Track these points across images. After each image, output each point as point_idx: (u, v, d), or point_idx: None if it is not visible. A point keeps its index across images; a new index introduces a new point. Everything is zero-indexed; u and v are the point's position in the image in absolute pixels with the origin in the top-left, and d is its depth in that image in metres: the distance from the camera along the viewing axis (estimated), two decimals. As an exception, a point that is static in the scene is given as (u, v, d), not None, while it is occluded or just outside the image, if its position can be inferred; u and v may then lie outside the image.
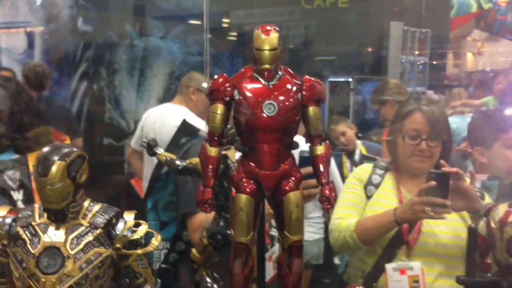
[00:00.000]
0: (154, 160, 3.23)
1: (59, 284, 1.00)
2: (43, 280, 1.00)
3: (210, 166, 1.17)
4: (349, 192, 2.49)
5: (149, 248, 1.07)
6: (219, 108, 1.17)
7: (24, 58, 5.73)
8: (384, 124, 4.10)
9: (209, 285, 1.69)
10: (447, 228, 2.20)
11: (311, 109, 1.18)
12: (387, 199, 2.40)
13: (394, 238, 2.29)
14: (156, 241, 1.08)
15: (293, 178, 1.18)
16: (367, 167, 2.61)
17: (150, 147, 1.67)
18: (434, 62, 7.76)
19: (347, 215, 2.38)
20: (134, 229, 1.08)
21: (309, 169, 1.93)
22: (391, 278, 2.25)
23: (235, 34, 6.56)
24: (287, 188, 1.17)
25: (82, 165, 1.03)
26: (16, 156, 1.78)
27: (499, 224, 1.24)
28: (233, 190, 1.18)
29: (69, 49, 5.52)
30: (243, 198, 1.16)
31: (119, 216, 1.08)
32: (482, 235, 1.31)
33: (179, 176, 1.80)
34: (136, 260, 1.07)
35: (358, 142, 4.56)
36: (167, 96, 5.42)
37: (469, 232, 1.25)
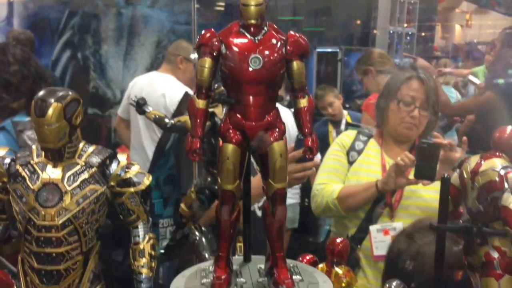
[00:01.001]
0: (142, 129, 3.30)
1: (58, 217, 1.08)
2: (43, 213, 1.07)
3: (198, 118, 1.24)
4: (332, 159, 2.57)
5: (141, 186, 1.15)
6: (207, 62, 1.23)
7: (4, 27, 5.68)
8: (367, 93, 4.18)
9: (197, 238, 1.78)
10: (429, 191, 2.29)
11: (295, 64, 1.25)
12: (370, 164, 2.48)
13: (377, 201, 2.39)
14: (147, 180, 1.15)
15: (277, 130, 1.25)
16: (350, 133, 2.69)
17: (139, 105, 1.73)
18: (423, 34, 7.82)
19: (330, 181, 2.47)
20: (126, 169, 1.15)
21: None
22: (375, 239, 2.35)
23: (223, 4, 6.53)
24: (271, 138, 1.24)
25: (77, 108, 1.09)
26: (28, 119, 1.84)
27: (471, 175, 1.32)
28: (220, 140, 1.25)
29: (52, 16, 5.47)
30: (230, 147, 1.23)
31: (112, 157, 1.15)
32: (456, 186, 1.40)
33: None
34: (129, 198, 1.15)
35: (345, 112, 4.64)
36: (154, 65, 5.42)
37: (442, 181, 1.34)
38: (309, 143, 1.25)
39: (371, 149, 2.55)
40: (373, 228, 2.35)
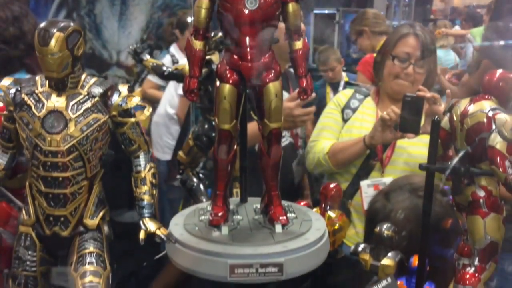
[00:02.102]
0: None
1: (63, 143, 1.13)
2: (49, 139, 1.13)
3: (195, 58, 1.27)
4: (326, 117, 2.62)
5: (142, 117, 1.20)
6: (204, 3, 1.26)
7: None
8: (362, 54, 4.19)
9: (195, 184, 1.84)
10: (420, 148, 2.35)
11: (291, 6, 1.28)
12: (364, 122, 2.53)
13: (368, 157, 2.45)
14: (147, 111, 1.20)
15: (273, 71, 1.29)
16: (347, 92, 2.73)
17: (137, 53, 1.76)
18: (421, -4, 7.77)
19: (322, 138, 2.52)
20: (127, 100, 1.20)
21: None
22: (366, 194, 2.42)
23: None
24: (267, 79, 1.28)
25: (79, 39, 1.14)
26: (29, 76, 1.87)
27: (460, 117, 1.37)
28: (217, 81, 1.29)
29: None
30: (227, 87, 1.27)
31: (114, 88, 1.20)
32: (445, 129, 1.45)
33: None
34: (130, 128, 1.20)
35: (343, 74, 4.66)
36: (149, 26, 5.40)
37: (432, 123, 1.39)
38: (304, 84, 1.30)
39: (367, 107, 2.60)
40: (363, 183, 2.41)
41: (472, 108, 1.35)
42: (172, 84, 3.69)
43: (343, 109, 2.62)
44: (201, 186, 1.84)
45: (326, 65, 4.48)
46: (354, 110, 2.61)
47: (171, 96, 3.71)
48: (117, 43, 5.26)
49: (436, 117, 1.39)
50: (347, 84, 3.93)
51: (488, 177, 1.36)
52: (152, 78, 4.34)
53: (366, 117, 2.55)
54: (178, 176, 1.91)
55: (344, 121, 2.59)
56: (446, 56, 5.29)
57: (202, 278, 1.28)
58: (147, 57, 1.78)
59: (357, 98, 2.65)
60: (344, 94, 2.71)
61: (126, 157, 1.26)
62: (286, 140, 2.55)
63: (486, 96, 1.36)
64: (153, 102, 4.26)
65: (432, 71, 2.53)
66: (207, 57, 1.65)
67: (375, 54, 3.74)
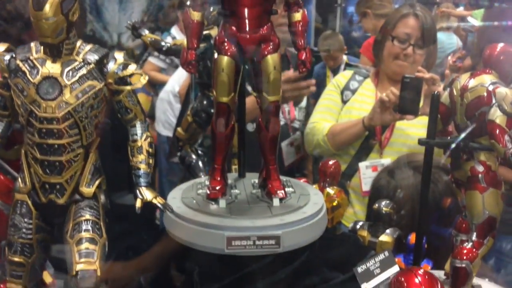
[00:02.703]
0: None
1: (58, 109, 1.13)
2: (44, 105, 1.12)
3: (193, 30, 1.26)
4: (326, 99, 2.62)
5: (138, 84, 1.19)
6: None
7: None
8: (364, 34, 4.16)
9: (193, 160, 1.84)
10: (418, 129, 2.34)
11: None
12: (363, 103, 2.53)
13: (367, 139, 2.45)
14: (144, 79, 1.20)
15: (271, 43, 1.28)
16: (346, 73, 2.72)
17: (135, 28, 1.75)
18: (425, -21, 7.68)
19: (322, 119, 2.52)
20: (123, 68, 1.19)
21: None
22: (364, 175, 2.43)
23: None
24: (265, 51, 1.27)
25: (74, 4, 1.12)
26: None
27: (460, 91, 1.36)
28: (215, 53, 1.28)
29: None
30: (225, 59, 1.26)
31: (110, 56, 1.19)
32: (445, 104, 1.44)
33: None
34: (126, 97, 1.19)
35: (344, 56, 4.62)
36: (150, 9, 5.37)
37: (432, 98, 1.38)
38: (303, 56, 1.29)
39: (366, 89, 2.59)
40: (362, 164, 2.42)
41: (472, 82, 1.34)
42: None
43: (342, 90, 2.62)
44: (200, 163, 1.84)
45: (328, 54, 4.43)
46: (354, 92, 2.60)
47: (181, 75, 3.71)
48: (117, 25, 5.25)
49: (436, 92, 1.38)
50: (347, 66, 3.91)
51: (487, 152, 1.35)
52: (153, 60, 4.33)
53: (366, 99, 2.54)
54: (178, 154, 1.91)
55: (343, 103, 2.59)
56: (448, 40, 5.24)
57: (199, 251, 1.28)
58: (145, 32, 1.77)
59: (357, 79, 2.64)
60: (344, 76, 2.69)
61: (125, 138, 1.25)
62: (280, 120, 2.54)
63: (487, 70, 1.35)
64: (154, 84, 4.26)
65: (432, 52, 2.52)
66: (206, 32, 1.64)
67: (377, 36, 3.73)
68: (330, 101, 2.60)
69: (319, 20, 6.15)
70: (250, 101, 1.52)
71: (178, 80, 3.79)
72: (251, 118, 1.55)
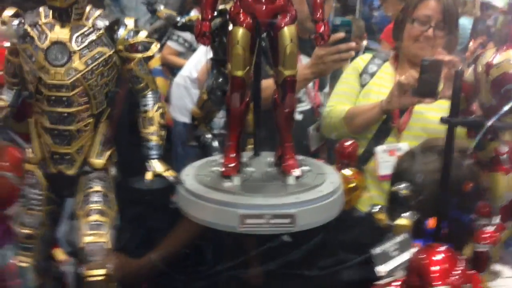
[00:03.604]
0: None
1: (67, 76, 1.10)
2: (52, 71, 1.10)
3: (207, 0, 1.22)
4: (343, 82, 2.55)
5: (149, 53, 1.16)
6: None
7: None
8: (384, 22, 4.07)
9: (209, 140, 1.80)
10: (437, 113, 2.27)
11: None
12: (381, 87, 2.46)
13: (384, 122, 2.39)
14: (155, 47, 1.16)
15: (288, 14, 1.23)
16: (365, 56, 2.65)
17: (150, 4, 1.71)
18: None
19: (339, 103, 2.47)
20: (134, 34, 1.16)
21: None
22: (381, 159, 2.38)
23: None
24: (282, 23, 1.22)
25: None
26: None
27: (485, 67, 1.31)
28: (230, 24, 1.24)
29: None
30: (240, 31, 1.21)
31: (120, 22, 1.16)
32: (469, 82, 1.38)
33: None
34: (137, 65, 1.16)
35: (364, 42, 4.53)
36: (169, -8, 5.33)
37: (456, 75, 1.32)
38: (321, 29, 1.24)
39: (385, 72, 2.52)
40: (379, 148, 2.36)
41: (498, 58, 1.29)
42: (202, 48, 3.64)
43: (361, 74, 2.55)
44: (215, 142, 1.81)
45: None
46: (372, 75, 2.54)
47: (198, 60, 3.66)
48: (135, 9, 5.20)
49: (460, 68, 1.33)
50: (366, 49, 3.83)
51: (513, 131, 1.30)
52: (172, 44, 4.29)
53: (384, 82, 2.48)
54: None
55: (361, 86, 2.53)
56: (471, 25, 5.11)
57: (213, 229, 1.25)
58: (160, 7, 1.73)
59: (376, 63, 2.58)
60: (362, 59, 2.63)
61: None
62: (307, 104, 2.50)
63: (514, 46, 1.29)
64: (173, 68, 4.22)
65: (454, 36, 2.44)
66: (222, 6, 1.60)
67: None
68: (348, 84, 2.55)
69: (338, 6, 6.06)
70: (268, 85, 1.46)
71: (195, 65, 3.74)
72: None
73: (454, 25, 2.41)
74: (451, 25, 2.38)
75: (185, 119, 3.58)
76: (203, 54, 3.56)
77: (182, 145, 3.46)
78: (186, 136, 3.49)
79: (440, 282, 0.91)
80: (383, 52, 2.71)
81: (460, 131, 1.43)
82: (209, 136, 1.81)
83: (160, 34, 4.28)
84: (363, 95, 2.49)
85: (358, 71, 2.55)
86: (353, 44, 2.08)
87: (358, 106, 2.43)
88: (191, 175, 1.37)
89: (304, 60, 2.51)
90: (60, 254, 1.45)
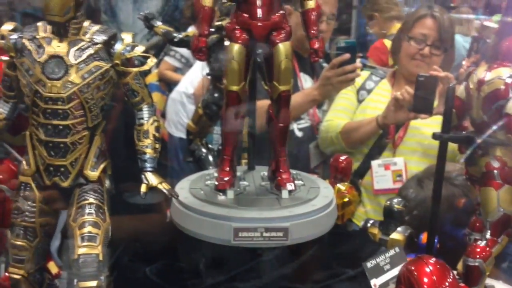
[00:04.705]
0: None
1: (64, 89, 1.12)
2: (49, 85, 1.11)
3: (204, 16, 1.25)
4: (341, 98, 2.59)
5: (145, 67, 1.18)
6: None
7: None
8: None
9: (203, 154, 1.82)
10: (434, 129, 2.29)
11: None
12: (378, 103, 2.50)
13: (380, 137, 2.42)
14: (151, 62, 1.18)
15: (283, 31, 1.26)
16: (363, 73, 2.69)
17: (147, 19, 1.74)
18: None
19: (337, 118, 2.51)
20: (131, 49, 1.18)
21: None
22: (376, 173, 2.41)
23: None
24: (277, 39, 1.25)
25: None
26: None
27: (477, 84, 1.33)
28: (226, 40, 1.26)
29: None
30: (235, 47, 1.24)
31: (117, 36, 1.18)
32: (461, 98, 1.40)
33: None
34: (133, 79, 1.18)
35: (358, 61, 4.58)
36: (165, 8, 5.38)
37: (448, 90, 1.35)
38: (316, 45, 1.26)
39: (382, 89, 2.57)
40: (374, 163, 2.40)
41: (489, 75, 1.31)
42: (198, 64, 3.67)
43: (358, 90, 2.60)
44: (210, 157, 1.83)
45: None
46: (369, 91, 2.59)
47: (195, 76, 3.69)
48: (132, 26, 5.24)
49: (451, 84, 1.35)
50: (364, 67, 3.87)
51: (503, 147, 1.31)
52: (169, 60, 4.33)
53: (381, 98, 2.52)
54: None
55: (358, 102, 2.58)
56: (465, 43, 5.18)
57: (206, 242, 1.26)
58: (158, 23, 1.76)
59: (373, 79, 2.63)
60: (360, 76, 2.68)
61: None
62: (306, 122, 2.53)
63: (504, 63, 1.32)
64: (170, 84, 4.25)
65: (449, 54, 2.49)
66: (218, 23, 1.63)
67: (385, 40, 3.69)
68: (345, 100, 2.59)
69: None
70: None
71: (191, 81, 3.76)
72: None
73: (449, 44, 2.46)
74: (447, 43, 2.43)
75: (181, 134, 3.60)
76: (199, 70, 3.60)
77: (177, 160, 3.47)
78: (182, 152, 3.50)
79: (431, 295, 0.92)
80: (380, 69, 2.76)
81: (454, 146, 1.45)
82: (203, 150, 1.83)
83: (157, 50, 4.32)
84: (360, 110, 2.53)
85: (356, 87, 2.59)
86: (358, 64, 2.14)
87: (355, 121, 2.46)
88: (186, 189, 1.38)
89: (303, 78, 2.55)
90: (53, 267, 1.45)
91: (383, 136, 2.42)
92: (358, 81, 2.62)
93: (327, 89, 2.21)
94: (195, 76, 3.69)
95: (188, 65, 4.24)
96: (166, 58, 4.34)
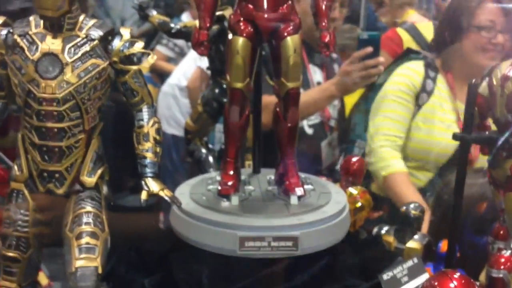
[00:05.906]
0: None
1: (59, 89, 1.12)
2: (43, 85, 1.11)
3: (206, 6, 1.25)
4: (397, 102, 2.33)
5: (145, 64, 1.18)
6: None
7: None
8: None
9: (203, 155, 1.83)
10: None
11: None
12: (445, 112, 2.31)
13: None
14: (152, 59, 1.18)
15: (292, 23, 1.26)
16: (417, 67, 2.39)
17: (142, 9, 1.74)
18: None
19: (387, 128, 2.31)
20: (130, 45, 1.18)
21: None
22: None
23: None
24: (285, 32, 1.25)
25: None
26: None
27: (501, 80, 1.33)
28: (230, 33, 1.27)
29: None
30: (240, 40, 1.24)
31: (115, 32, 1.18)
32: (483, 96, 1.41)
33: None
34: (132, 78, 1.18)
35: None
36: (156, -9, 5.37)
37: (469, 88, 1.36)
38: (327, 38, 1.27)
39: (440, 90, 2.36)
40: None
41: (515, 71, 1.31)
42: (191, 54, 3.66)
43: (418, 93, 2.34)
44: (210, 158, 1.83)
45: (343, 51, 4.36)
46: (430, 94, 2.35)
47: (188, 67, 3.69)
48: (121, 11, 5.23)
49: (473, 80, 1.36)
50: (408, 52, 2.66)
51: (530, 149, 1.32)
52: (161, 49, 4.33)
53: (444, 105, 2.33)
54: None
55: (417, 106, 2.34)
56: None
57: (209, 252, 1.27)
58: (153, 13, 1.76)
59: (430, 76, 2.37)
60: (417, 72, 2.36)
61: (128, 135, 1.23)
62: (316, 118, 2.52)
63: (531, 58, 1.32)
64: (162, 75, 4.25)
65: None
66: (219, 12, 1.63)
67: (398, 29, 3.66)
68: (402, 106, 2.32)
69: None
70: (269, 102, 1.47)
71: (184, 72, 3.76)
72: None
73: None
74: None
75: (174, 130, 3.60)
76: (192, 60, 3.59)
77: (170, 159, 3.48)
78: (176, 150, 3.51)
79: (455, 312, 0.93)
80: (428, 56, 2.46)
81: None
82: (203, 151, 1.84)
83: (149, 38, 4.32)
84: (422, 119, 2.33)
85: (416, 88, 2.35)
86: (381, 59, 2.12)
87: (403, 188, 2.24)
88: (186, 194, 1.39)
89: (312, 70, 2.55)
90: (43, 279, 1.46)
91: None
92: (417, 81, 2.33)
93: (346, 85, 2.19)
94: (189, 67, 3.69)
95: (182, 54, 4.24)
96: (158, 47, 4.34)
